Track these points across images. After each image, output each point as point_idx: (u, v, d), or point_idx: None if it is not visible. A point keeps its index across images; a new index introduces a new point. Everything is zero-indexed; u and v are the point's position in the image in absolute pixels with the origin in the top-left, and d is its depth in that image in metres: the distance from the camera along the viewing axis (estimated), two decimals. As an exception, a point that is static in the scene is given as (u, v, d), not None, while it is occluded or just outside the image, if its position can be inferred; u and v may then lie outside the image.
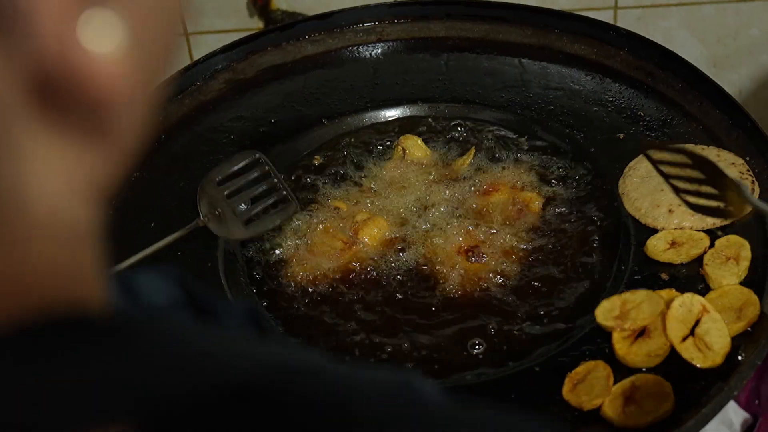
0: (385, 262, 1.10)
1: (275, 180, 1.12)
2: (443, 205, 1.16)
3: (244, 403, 0.32)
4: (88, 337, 0.32)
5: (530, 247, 1.10)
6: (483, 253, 1.09)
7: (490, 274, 1.07)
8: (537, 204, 1.15)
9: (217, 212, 1.05)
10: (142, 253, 1.01)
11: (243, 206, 1.09)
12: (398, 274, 1.09)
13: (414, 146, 1.23)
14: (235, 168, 1.11)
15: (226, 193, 1.08)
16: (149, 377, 0.32)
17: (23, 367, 0.30)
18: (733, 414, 1.31)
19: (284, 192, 1.12)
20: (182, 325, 0.37)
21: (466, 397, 0.47)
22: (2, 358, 0.30)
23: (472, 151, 1.22)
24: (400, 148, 1.23)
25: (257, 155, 1.13)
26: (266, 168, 1.12)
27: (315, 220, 1.14)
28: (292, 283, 1.09)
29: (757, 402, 1.31)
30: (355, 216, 1.14)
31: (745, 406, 1.31)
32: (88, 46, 0.29)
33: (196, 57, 1.59)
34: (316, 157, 1.24)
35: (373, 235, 1.11)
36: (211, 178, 1.08)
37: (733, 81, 1.76)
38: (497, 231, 1.12)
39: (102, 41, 0.30)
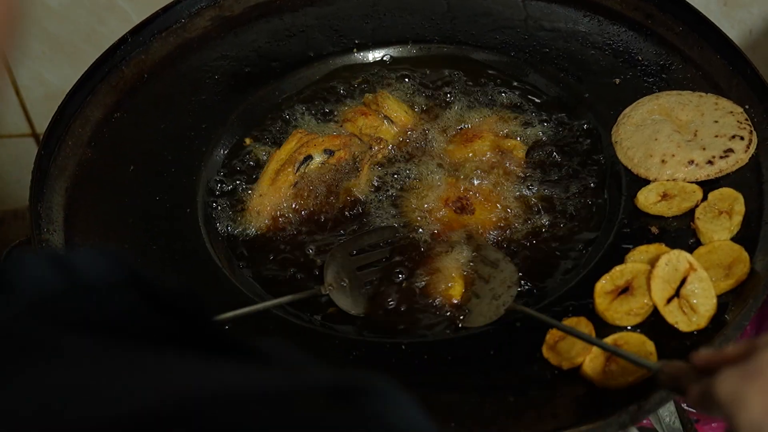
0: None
1: None
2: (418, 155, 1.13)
3: None
4: None
5: (514, 196, 1.07)
6: (472, 205, 1.06)
7: (474, 226, 1.04)
8: (520, 152, 1.10)
9: (343, 283, 0.99)
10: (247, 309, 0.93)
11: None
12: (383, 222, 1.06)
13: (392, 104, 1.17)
14: (371, 242, 1.04)
15: (356, 266, 1.02)
16: None
17: None
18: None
19: None
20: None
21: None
22: None
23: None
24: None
25: (395, 226, 1.06)
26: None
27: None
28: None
29: (755, 349, 1.28)
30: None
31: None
32: None
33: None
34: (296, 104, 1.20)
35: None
36: (346, 247, 1.02)
37: (744, 20, 1.69)
38: (480, 181, 1.08)
39: None
